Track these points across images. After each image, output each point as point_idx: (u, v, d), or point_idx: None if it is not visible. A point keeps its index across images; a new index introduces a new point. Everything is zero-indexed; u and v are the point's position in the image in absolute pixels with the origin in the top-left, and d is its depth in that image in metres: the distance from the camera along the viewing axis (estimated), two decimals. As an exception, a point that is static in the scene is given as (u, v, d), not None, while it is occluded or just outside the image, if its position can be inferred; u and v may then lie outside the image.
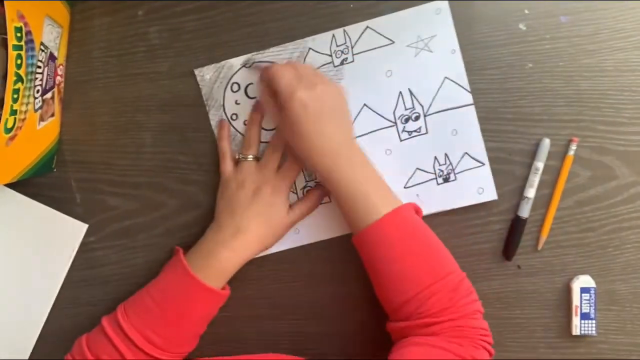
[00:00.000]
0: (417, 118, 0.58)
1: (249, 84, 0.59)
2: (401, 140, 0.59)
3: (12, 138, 0.48)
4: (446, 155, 0.58)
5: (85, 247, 0.61)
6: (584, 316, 0.58)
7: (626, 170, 0.58)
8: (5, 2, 0.44)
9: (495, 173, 0.59)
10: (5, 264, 0.60)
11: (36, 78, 0.51)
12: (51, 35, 0.54)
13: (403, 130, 0.58)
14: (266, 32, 0.59)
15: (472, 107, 0.58)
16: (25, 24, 0.47)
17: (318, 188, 0.59)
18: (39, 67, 0.51)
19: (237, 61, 0.58)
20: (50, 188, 0.60)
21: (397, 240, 0.50)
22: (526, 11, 0.58)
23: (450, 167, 0.58)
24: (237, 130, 0.59)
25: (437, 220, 0.59)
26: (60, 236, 0.60)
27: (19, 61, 0.46)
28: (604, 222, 0.59)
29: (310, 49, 0.58)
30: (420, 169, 0.59)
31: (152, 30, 0.60)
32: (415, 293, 0.49)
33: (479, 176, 0.58)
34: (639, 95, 0.58)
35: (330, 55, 0.58)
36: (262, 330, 0.60)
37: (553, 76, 0.58)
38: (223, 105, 0.59)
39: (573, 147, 0.58)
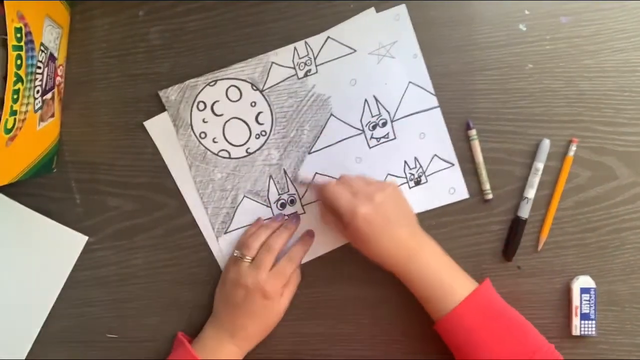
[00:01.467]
0: (384, 124, 0.58)
1: (215, 101, 0.59)
2: (370, 147, 0.59)
3: (12, 139, 0.48)
4: (416, 158, 0.59)
5: (85, 248, 0.60)
6: (584, 316, 0.58)
7: (626, 171, 0.58)
8: (5, 3, 0.44)
9: (495, 173, 0.59)
10: (5, 273, 0.60)
11: (36, 79, 0.51)
12: (51, 36, 0.54)
13: (371, 137, 0.59)
14: (266, 32, 0.59)
15: (438, 110, 0.58)
16: (25, 25, 0.47)
17: (301, 242, 0.59)
18: (39, 67, 0.51)
19: (200, 80, 0.59)
20: (50, 189, 0.60)
21: (478, 325, 0.50)
22: (526, 12, 0.58)
23: (420, 170, 0.59)
24: (206, 147, 0.59)
25: (437, 221, 0.59)
26: (60, 247, 0.60)
27: (19, 62, 0.46)
28: (604, 223, 0.59)
29: (273, 63, 0.58)
30: (391, 174, 0.59)
31: (152, 30, 0.59)
32: None
33: (449, 177, 0.59)
34: (639, 95, 0.58)
35: (294, 68, 0.58)
36: (262, 330, 0.60)
37: (553, 77, 0.58)
38: (191, 124, 0.59)
39: (573, 147, 0.58)
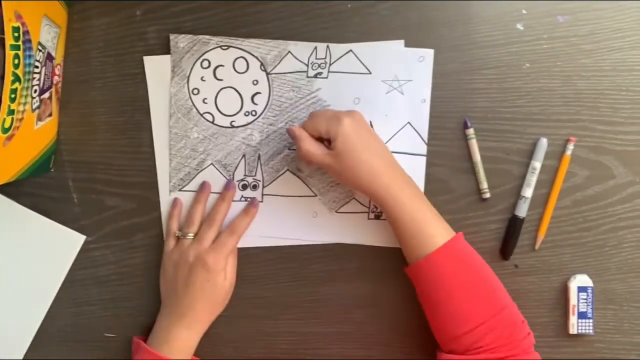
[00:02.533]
0: None
1: (220, 65, 0.59)
2: None
3: (9, 138, 0.48)
4: None
5: (82, 247, 0.60)
6: (581, 315, 0.58)
7: (623, 170, 0.58)
8: (2, 2, 0.44)
9: (492, 172, 0.59)
10: (2, 272, 0.59)
11: (34, 78, 0.51)
12: (49, 35, 0.54)
13: None
14: (264, 32, 0.59)
15: (424, 159, 0.59)
16: (23, 24, 0.47)
17: (246, 208, 0.59)
18: (37, 67, 0.51)
19: (214, 40, 0.58)
20: (48, 188, 0.60)
21: (452, 273, 0.51)
22: (524, 11, 0.58)
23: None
24: (193, 104, 0.59)
25: (435, 219, 0.59)
26: (58, 247, 0.60)
27: (16, 61, 0.46)
28: (601, 222, 0.59)
29: (289, 52, 0.58)
30: (357, 200, 0.59)
31: (150, 30, 0.59)
32: (472, 327, 0.49)
33: None
34: (637, 94, 0.58)
35: (307, 65, 0.58)
36: (260, 330, 0.60)
37: (551, 76, 0.58)
38: (188, 77, 0.59)
39: (570, 146, 0.58)
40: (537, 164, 0.58)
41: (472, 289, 0.51)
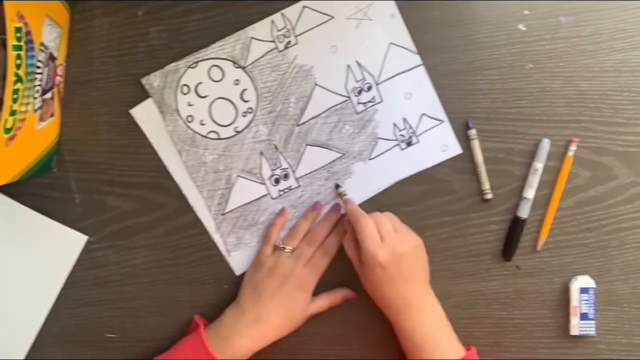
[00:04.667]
0: (369, 88, 0.59)
1: (198, 83, 0.59)
2: (358, 113, 0.59)
3: (11, 138, 0.48)
4: (404, 119, 0.59)
5: (84, 248, 0.60)
6: (583, 316, 0.58)
7: (626, 171, 0.58)
8: (4, 3, 0.44)
9: (494, 173, 0.59)
10: (4, 273, 0.59)
11: (36, 78, 0.51)
12: (51, 36, 0.54)
13: (358, 103, 0.59)
14: (266, 32, 0.59)
15: (422, 68, 0.58)
16: (25, 24, 0.47)
17: (345, 290, 0.59)
18: (39, 67, 0.51)
19: (181, 63, 0.59)
20: (50, 188, 0.60)
21: None
22: (526, 12, 0.58)
23: (411, 130, 0.59)
24: (194, 131, 0.59)
25: (436, 220, 0.59)
26: (60, 247, 0.60)
27: (18, 61, 0.46)
28: (603, 223, 0.59)
29: (252, 38, 0.58)
30: (381, 138, 0.59)
31: (152, 30, 0.59)
32: None
33: (440, 134, 0.59)
34: (639, 95, 0.58)
35: (274, 41, 0.58)
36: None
37: (553, 77, 0.58)
38: (177, 109, 0.59)
39: (573, 147, 0.58)
40: (539, 164, 0.58)
41: None
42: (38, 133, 0.54)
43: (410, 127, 0.59)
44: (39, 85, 0.52)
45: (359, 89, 0.58)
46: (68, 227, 0.60)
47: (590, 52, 0.58)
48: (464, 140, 0.59)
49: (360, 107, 0.59)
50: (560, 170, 0.58)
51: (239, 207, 0.60)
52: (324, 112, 0.59)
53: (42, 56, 0.52)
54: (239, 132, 0.59)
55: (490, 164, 0.59)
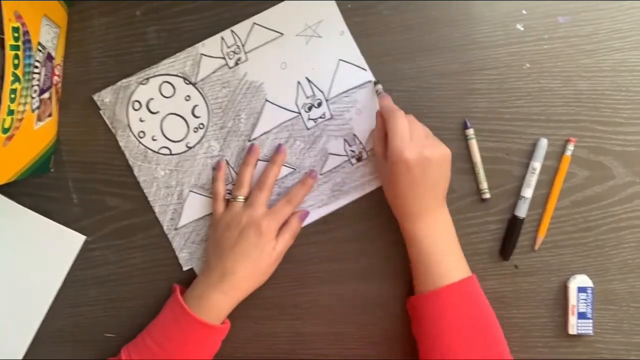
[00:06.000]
0: (319, 104, 0.59)
1: (150, 99, 0.59)
2: (308, 129, 0.59)
3: (9, 138, 0.48)
4: (354, 135, 0.59)
5: (82, 247, 0.60)
6: (581, 316, 0.58)
7: (623, 171, 0.58)
8: (2, 2, 0.44)
9: (492, 173, 0.59)
10: (2, 273, 0.59)
11: (33, 78, 0.51)
12: (49, 36, 0.54)
13: (308, 119, 0.59)
14: (264, 32, 0.59)
15: (372, 84, 0.59)
16: (23, 24, 0.47)
17: (297, 212, 0.58)
18: (37, 67, 0.51)
19: (133, 79, 0.59)
20: (48, 188, 0.60)
21: (455, 313, 0.51)
22: (524, 12, 0.58)
23: (361, 146, 0.59)
24: (146, 146, 0.59)
25: (435, 220, 0.59)
26: (58, 247, 0.60)
27: (16, 61, 0.46)
28: (601, 222, 0.59)
29: (202, 55, 0.59)
30: (332, 154, 0.60)
31: (150, 30, 0.59)
32: None
33: None
34: (637, 95, 0.58)
35: (224, 58, 0.59)
36: (260, 330, 0.60)
37: (551, 76, 0.58)
38: (129, 125, 0.59)
39: (570, 147, 0.58)
40: (537, 164, 0.58)
41: (471, 334, 0.50)
42: (36, 133, 0.54)
43: (360, 142, 0.59)
44: (36, 85, 0.52)
45: (309, 105, 0.59)
46: (66, 227, 0.60)
47: (589, 52, 0.58)
48: (462, 139, 0.59)
49: (310, 123, 0.59)
50: (558, 169, 0.59)
51: (191, 222, 0.60)
52: (274, 128, 0.59)
53: (39, 56, 0.52)
54: (190, 148, 0.60)
55: (488, 164, 0.59)
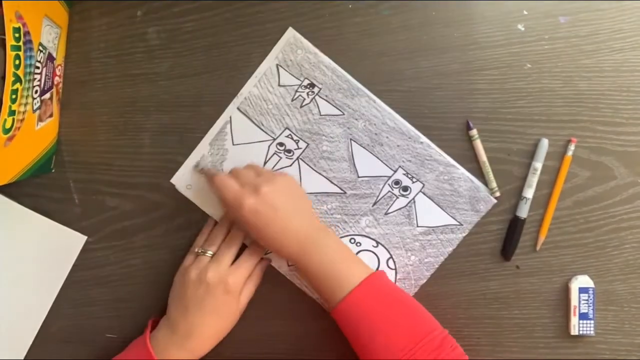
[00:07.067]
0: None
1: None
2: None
3: (10, 139, 0.48)
4: None
5: (84, 248, 0.60)
6: (583, 316, 0.58)
7: (625, 171, 0.58)
8: (3, 3, 0.44)
9: (494, 173, 0.59)
10: (4, 273, 0.59)
11: (34, 79, 0.51)
12: (50, 36, 0.54)
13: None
14: (265, 32, 0.59)
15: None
16: (24, 25, 0.47)
17: (260, 262, 0.58)
18: (38, 67, 0.51)
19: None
20: (49, 189, 0.60)
21: (373, 309, 0.50)
22: (525, 12, 0.58)
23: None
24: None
25: (435, 220, 0.59)
26: (59, 247, 0.60)
27: (17, 62, 0.46)
28: (602, 223, 0.59)
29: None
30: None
31: (150, 30, 0.59)
32: (399, 358, 0.48)
33: None
34: (638, 95, 0.58)
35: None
36: (260, 330, 0.60)
37: (552, 76, 0.58)
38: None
39: (572, 147, 0.58)
40: (538, 164, 0.58)
41: (395, 322, 0.50)
42: (37, 133, 0.54)
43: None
44: (37, 85, 0.52)
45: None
46: (67, 227, 0.60)
47: (589, 52, 0.58)
48: (463, 140, 0.59)
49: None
50: (559, 170, 0.58)
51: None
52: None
53: (40, 56, 0.52)
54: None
55: (490, 164, 0.58)
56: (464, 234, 0.59)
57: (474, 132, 0.58)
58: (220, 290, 0.54)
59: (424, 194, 0.59)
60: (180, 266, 0.58)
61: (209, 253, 0.56)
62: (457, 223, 0.59)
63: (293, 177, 0.55)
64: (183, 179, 0.60)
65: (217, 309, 0.54)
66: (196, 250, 0.57)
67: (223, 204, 0.54)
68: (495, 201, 0.58)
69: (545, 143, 0.58)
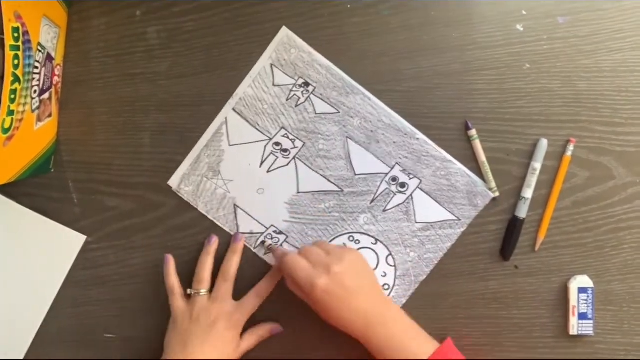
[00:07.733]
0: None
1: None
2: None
3: (9, 138, 0.48)
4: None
5: (83, 248, 0.60)
6: (582, 316, 0.58)
7: (623, 171, 0.58)
8: (2, 3, 0.44)
9: (493, 173, 0.59)
10: (3, 273, 0.59)
11: (33, 78, 0.51)
12: (49, 36, 0.54)
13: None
14: (264, 32, 0.59)
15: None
16: (23, 25, 0.47)
17: (270, 324, 0.59)
18: (37, 67, 0.51)
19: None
20: (48, 189, 0.60)
21: None
22: (524, 12, 0.58)
23: None
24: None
25: (435, 220, 0.59)
26: (58, 247, 0.60)
27: (16, 61, 0.46)
28: (601, 223, 0.59)
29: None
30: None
31: (150, 30, 0.59)
32: None
33: None
34: (637, 95, 0.58)
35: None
36: (260, 330, 0.60)
37: (551, 77, 0.58)
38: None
39: (570, 147, 0.58)
40: (537, 164, 0.58)
41: None
42: (36, 133, 0.54)
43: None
44: (36, 85, 0.52)
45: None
46: (66, 227, 0.60)
47: (588, 52, 0.58)
48: (462, 140, 0.59)
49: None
50: (558, 170, 0.58)
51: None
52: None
53: (39, 56, 0.52)
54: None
55: (489, 164, 0.59)
56: (462, 229, 0.59)
57: (473, 132, 0.58)
58: (223, 325, 0.55)
59: (421, 190, 0.59)
60: (173, 311, 0.57)
61: (203, 292, 0.56)
62: (455, 218, 0.59)
63: (360, 253, 0.54)
64: (180, 181, 0.60)
65: (218, 345, 0.54)
66: (189, 292, 0.57)
67: (292, 283, 0.54)
68: (492, 195, 0.58)
69: (544, 143, 0.58)
